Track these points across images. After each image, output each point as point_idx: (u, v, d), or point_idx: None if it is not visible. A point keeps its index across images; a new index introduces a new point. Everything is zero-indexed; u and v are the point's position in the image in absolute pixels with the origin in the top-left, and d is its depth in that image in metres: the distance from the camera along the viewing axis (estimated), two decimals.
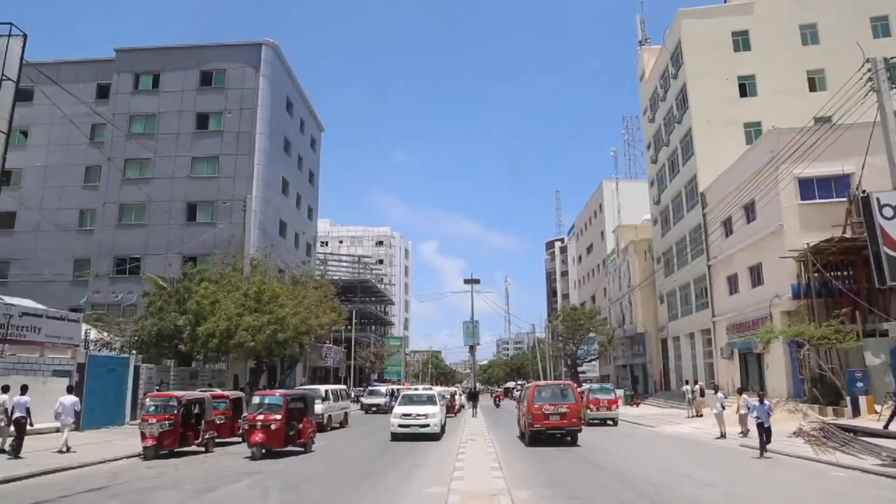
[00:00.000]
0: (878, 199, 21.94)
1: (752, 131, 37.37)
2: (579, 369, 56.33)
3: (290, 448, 16.26)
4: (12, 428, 14.31)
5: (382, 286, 75.33)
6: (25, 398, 14.44)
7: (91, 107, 36.57)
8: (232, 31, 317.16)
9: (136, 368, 24.75)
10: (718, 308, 36.32)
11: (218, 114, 41.37)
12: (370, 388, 46.80)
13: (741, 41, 39.83)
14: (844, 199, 26.30)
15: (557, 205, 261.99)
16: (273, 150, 42.33)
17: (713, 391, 23.83)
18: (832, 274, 25.68)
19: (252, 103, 41.12)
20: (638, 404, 41.24)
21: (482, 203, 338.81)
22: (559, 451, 17.01)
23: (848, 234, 24.89)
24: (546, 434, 18.71)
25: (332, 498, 10.34)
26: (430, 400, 21.80)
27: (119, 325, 29.25)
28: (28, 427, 14.48)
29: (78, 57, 45.80)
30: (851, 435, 15.90)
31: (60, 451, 14.79)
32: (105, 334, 28.06)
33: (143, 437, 15.35)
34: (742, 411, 19.53)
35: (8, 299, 23.61)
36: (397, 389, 38.38)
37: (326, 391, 25.57)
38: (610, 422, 26.94)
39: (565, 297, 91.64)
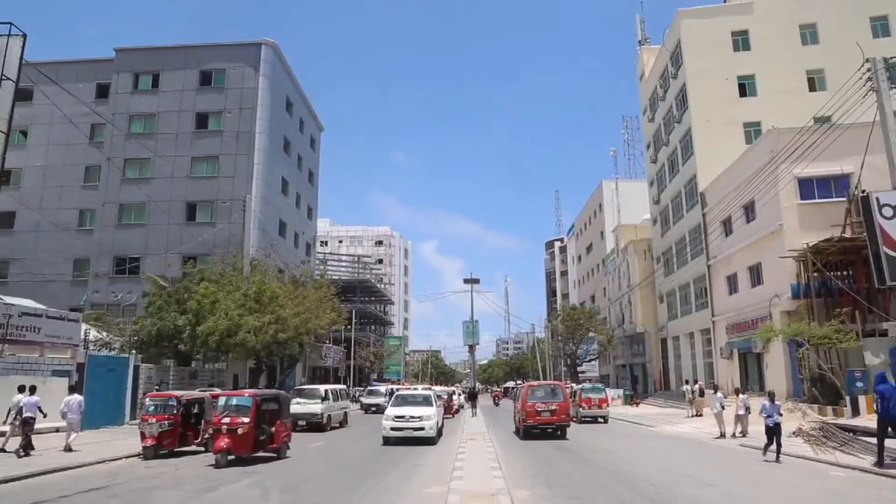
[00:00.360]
0: (877, 199, 21.94)
1: (752, 131, 37.37)
2: (579, 369, 56.34)
3: (261, 454, 14.72)
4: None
5: (382, 286, 75.33)
6: (35, 398, 14.90)
7: (90, 106, 36.55)
8: (231, 31, 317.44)
9: (136, 368, 24.74)
10: (718, 308, 36.33)
11: (217, 113, 41.37)
12: (370, 387, 46.81)
13: (741, 41, 39.83)
14: (844, 199, 26.30)
15: (557, 205, 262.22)
16: (273, 150, 42.32)
17: (713, 391, 23.84)
18: (832, 274, 25.67)
19: (252, 103, 41.11)
20: (637, 404, 41.27)
21: (481, 203, 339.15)
22: (559, 451, 17.03)
23: (847, 234, 24.89)
24: (539, 429, 21.00)
25: (332, 498, 10.34)
26: (426, 401, 20.12)
27: (118, 324, 29.25)
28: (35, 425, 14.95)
29: (77, 57, 45.88)
30: (851, 435, 15.92)
31: (69, 450, 14.98)
32: (105, 334, 28.05)
33: (143, 436, 15.36)
34: (740, 412, 19.54)
35: (8, 299, 23.61)
36: (397, 389, 36.09)
37: (326, 391, 25.55)
38: (601, 419, 28.68)
39: (565, 296, 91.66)
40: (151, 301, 27.43)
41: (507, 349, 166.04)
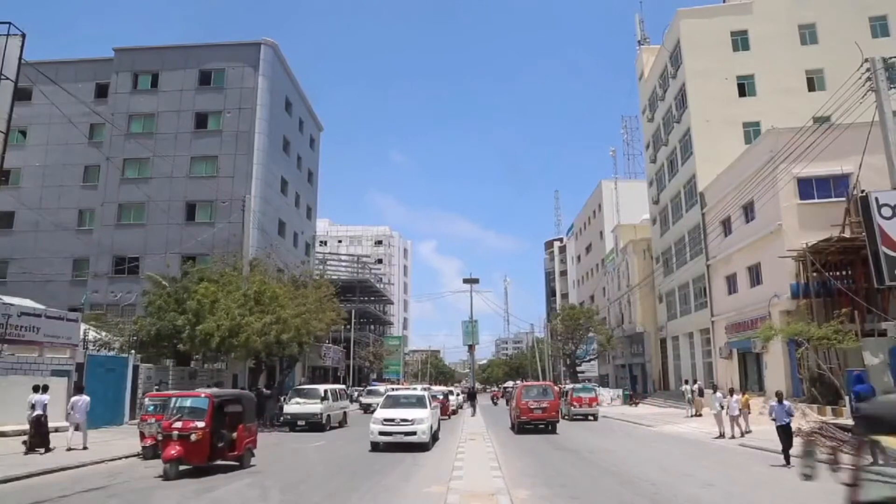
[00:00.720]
0: (876, 199, 21.95)
1: (751, 131, 37.39)
2: (578, 369, 56.36)
3: (219, 464, 13.16)
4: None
5: (381, 286, 75.32)
6: (45, 396, 15.45)
7: (90, 106, 36.52)
8: (231, 31, 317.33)
9: (135, 368, 24.73)
10: (717, 308, 36.35)
11: (217, 113, 41.34)
12: (369, 387, 46.85)
13: (740, 41, 39.85)
14: (843, 199, 26.32)
15: (556, 204, 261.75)
16: (272, 150, 42.31)
17: (712, 391, 23.87)
18: (831, 273, 25.68)
19: (251, 103, 41.09)
20: (637, 404, 41.32)
21: (481, 203, 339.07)
22: (558, 451, 17.05)
23: (847, 234, 24.91)
24: (531, 424, 23.10)
25: (331, 498, 10.35)
26: (420, 402, 18.47)
27: (118, 324, 29.21)
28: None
29: (77, 56, 45.72)
30: (850, 434, 15.92)
31: (84, 448, 15.38)
32: (104, 334, 28.03)
33: (142, 436, 15.39)
34: (734, 412, 19.62)
35: (7, 299, 23.58)
36: (395, 389, 35.89)
37: (325, 391, 25.58)
38: (591, 417, 30.49)
39: (564, 296, 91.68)
40: (151, 301, 27.40)
41: (507, 349, 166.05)
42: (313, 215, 54.02)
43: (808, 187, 28.48)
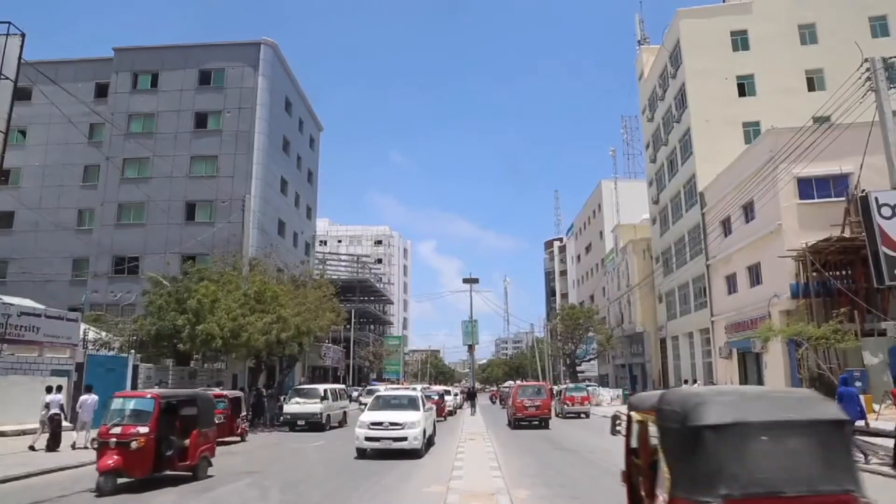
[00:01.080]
0: (876, 199, 21.97)
1: (751, 131, 37.39)
2: (578, 368, 56.37)
3: (167, 475, 11.48)
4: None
5: (381, 285, 75.33)
6: (59, 396, 16.00)
7: (90, 106, 36.50)
8: (230, 31, 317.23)
9: (135, 368, 24.72)
10: (717, 307, 36.36)
11: (217, 113, 41.32)
12: (368, 387, 46.85)
13: (740, 41, 39.85)
14: (843, 199, 26.33)
15: (556, 204, 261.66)
16: (272, 150, 42.30)
17: None
18: (831, 273, 25.70)
19: (251, 102, 41.08)
20: None
21: (480, 203, 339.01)
22: (558, 451, 17.06)
23: (846, 234, 24.93)
24: (526, 420, 25.09)
25: (331, 497, 10.35)
26: (412, 404, 16.84)
27: (117, 324, 29.20)
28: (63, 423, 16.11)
29: (76, 56, 45.70)
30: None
31: (85, 447, 15.64)
32: (104, 334, 28.02)
33: None
34: None
35: (7, 299, 23.59)
36: (395, 388, 34.68)
37: (325, 390, 25.60)
38: (583, 415, 31.68)
39: (564, 296, 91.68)
40: (151, 301, 27.39)
41: (507, 349, 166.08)
42: (313, 215, 54.02)
43: (807, 187, 28.48)
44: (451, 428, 25.02)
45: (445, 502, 9.49)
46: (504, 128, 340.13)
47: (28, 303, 24.85)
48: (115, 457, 10.48)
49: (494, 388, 77.53)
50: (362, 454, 15.25)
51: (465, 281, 42.50)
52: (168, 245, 37.54)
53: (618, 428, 7.05)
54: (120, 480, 10.69)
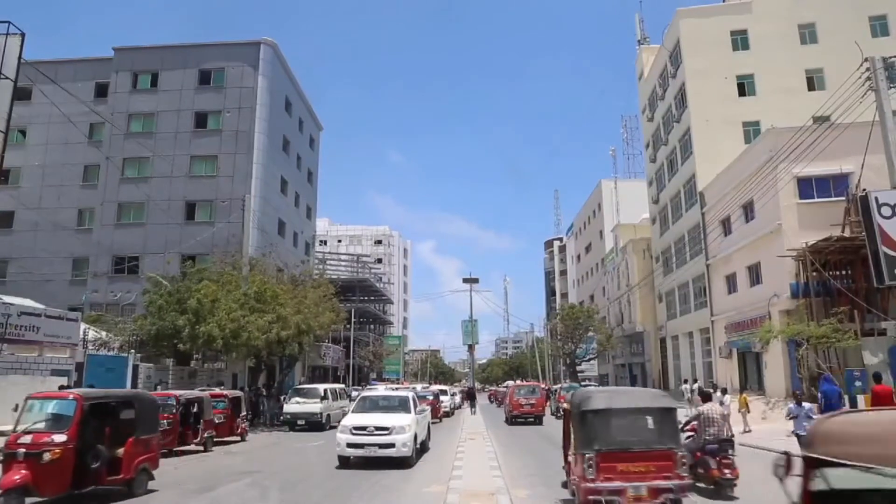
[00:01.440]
0: (876, 199, 21.96)
1: (751, 130, 37.39)
2: (578, 368, 56.36)
3: (97, 489, 9.70)
4: None
5: (381, 285, 75.32)
6: None
7: (89, 106, 36.47)
8: (230, 30, 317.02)
9: (135, 367, 24.74)
10: (717, 307, 36.36)
11: (216, 113, 41.31)
12: (368, 386, 46.83)
13: (740, 40, 39.84)
14: (843, 199, 26.31)
15: (556, 204, 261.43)
16: (272, 150, 42.29)
17: (712, 390, 23.86)
18: (831, 273, 25.69)
19: (251, 102, 41.07)
20: None
21: (480, 203, 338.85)
22: (558, 450, 17.03)
23: (846, 234, 24.91)
24: (521, 417, 27.06)
25: (331, 497, 10.36)
26: (402, 405, 15.29)
27: (117, 324, 29.21)
28: None
29: (76, 56, 45.69)
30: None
31: None
32: (104, 334, 28.03)
33: None
34: (725, 411, 19.53)
35: (6, 298, 23.58)
36: (395, 389, 33.46)
37: (325, 390, 25.64)
38: None
39: (564, 296, 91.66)
40: (152, 301, 27.42)
41: (507, 349, 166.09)
42: (313, 215, 54.01)
43: (807, 187, 28.47)
44: (452, 427, 25.03)
45: (445, 502, 9.50)
46: (504, 127, 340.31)
47: (28, 302, 24.84)
48: (23, 471, 8.58)
49: (493, 388, 77.96)
50: (345, 463, 13.72)
51: (465, 281, 42.59)
52: (168, 245, 37.53)
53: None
54: (31, 500, 8.82)
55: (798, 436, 12.35)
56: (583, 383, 43.97)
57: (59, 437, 8.98)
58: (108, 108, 40.63)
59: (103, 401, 10.33)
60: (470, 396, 39.32)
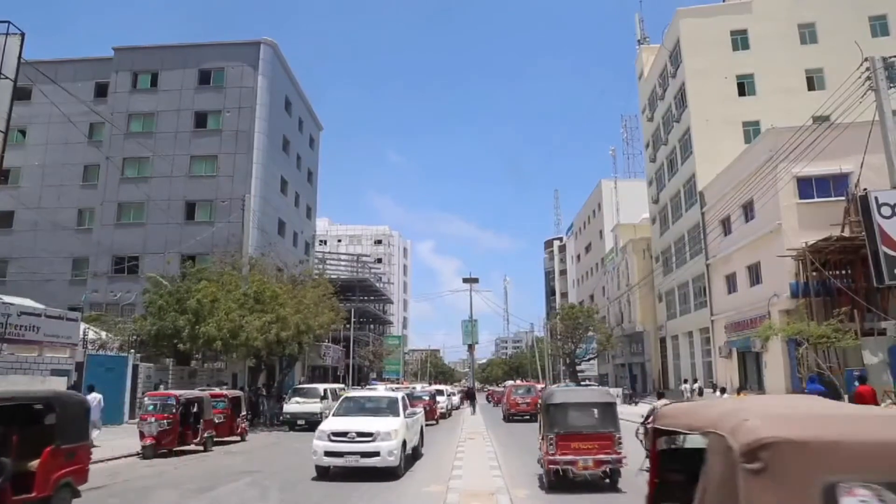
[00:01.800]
0: (876, 198, 21.94)
1: (751, 130, 37.38)
2: (578, 368, 56.36)
3: None
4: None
5: (381, 285, 75.32)
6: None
7: (89, 105, 36.46)
8: (230, 30, 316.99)
9: (135, 367, 24.74)
10: (717, 307, 36.36)
11: (216, 112, 41.31)
12: (368, 386, 46.81)
13: (740, 40, 39.84)
14: (843, 198, 26.30)
15: (556, 204, 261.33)
16: (272, 149, 42.29)
17: (712, 390, 23.89)
18: (830, 273, 25.69)
19: (250, 102, 41.06)
20: (636, 403, 41.32)
21: (479, 203, 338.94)
22: None
23: (846, 233, 24.90)
24: (518, 415, 28.55)
25: (331, 497, 10.35)
26: (390, 408, 13.78)
27: (117, 324, 29.21)
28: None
29: (76, 56, 45.70)
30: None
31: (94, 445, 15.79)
32: (104, 334, 28.03)
33: (142, 435, 15.39)
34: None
35: (6, 298, 23.57)
36: (395, 389, 33.51)
37: (325, 390, 25.66)
38: None
39: (564, 295, 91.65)
40: (152, 301, 27.42)
41: (506, 348, 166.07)
42: (313, 215, 54.02)
43: (807, 187, 28.47)
44: (451, 428, 25.02)
45: (445, 501, 9.50)
46: (504, 127, 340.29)
47: (28, 302, 24.83)
48: None
49: (490, 388, 78.40)
50: (323, 474, 12.13)
51: (465, 280, 42.59)
52: (168, 245, 37.53)
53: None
54: None
55: None
56: (582, 383, 44.08)
57: None
58: (108, 108, 40.63)
59: (8, 403, 8.18)
60: (469, 396, 39.32)
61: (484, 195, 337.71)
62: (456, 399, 41.23)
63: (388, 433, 12.15)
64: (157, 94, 41.85)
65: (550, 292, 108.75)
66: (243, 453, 16.93)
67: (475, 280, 41.41)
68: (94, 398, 16.59)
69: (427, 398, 27.55)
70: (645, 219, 54.73)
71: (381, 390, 24.00)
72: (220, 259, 31.00)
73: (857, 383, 15.34)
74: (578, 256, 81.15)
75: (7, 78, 16.35)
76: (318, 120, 54.82)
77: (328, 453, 11.95)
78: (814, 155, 25.08)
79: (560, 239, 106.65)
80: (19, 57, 16.54)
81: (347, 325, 51.03)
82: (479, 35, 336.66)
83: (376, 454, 11.80)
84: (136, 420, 19.12)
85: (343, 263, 73.16)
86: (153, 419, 15.49)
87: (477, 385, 62.93)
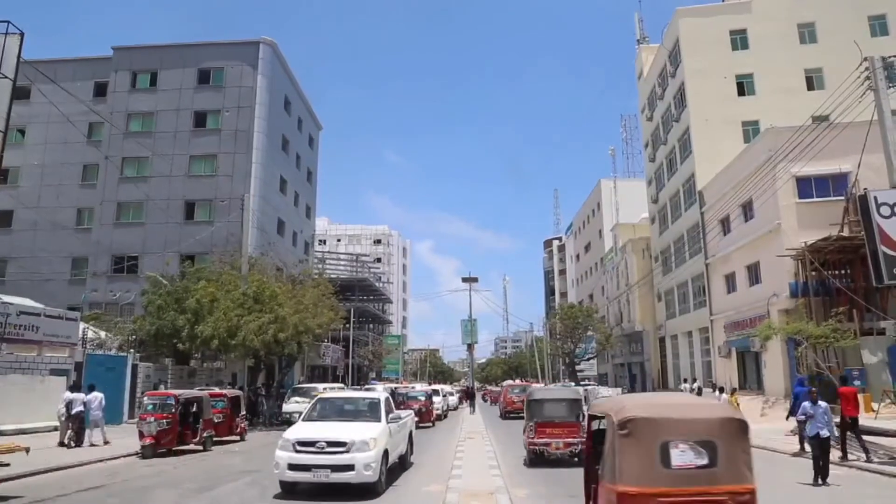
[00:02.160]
0: (875, 198, 21.96)
1: (750, 130, 37.39)
2: (577, 368, 56.37)
3: None
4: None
5: (380, 285, 75.32)
6: (81, 395, 16.89)
7: (88, 105, 36.44)
8: (230, 30, 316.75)
9: (134, 367, 24.73)
10: (716, 306, 36.38)
11: (216, 112, 41.30)
12: (366, 386, 46.81)
13: (739, 40, 39.85)
14: (842, 198, 26.33)
15: (556, 203, 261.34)
16: (271, 149, 42.28)
17: (712, 390, 23.90)
18: (830, 272, 25.72)
19: (250, 102, 41.05)
20: None
21: (478, 203, 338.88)
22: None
23: (845, 233, 24.93)
24: (514, 413, 28.86)
25: (331, 497, 10.33)
26: (371, 411, 11.81)
27: (117, 324, 29.20)
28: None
29: (75, 55, 45.63)
30: (849, 433, 15.94)
31: (106, 443, 16.58)
32: (103, 333, 28.02)
33: (141, 435, 15.38)
34: None
35: (6, 298, 23.57)
36: (395, 388, 31.64)
37: (324, 389, 25.57)
38: None
39: (563, 295, 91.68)
40: (151, 300, 27.40)
41: (506, 348, 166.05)
42: (312, 214, 54.02)
43: (806, 186, 28.51)
44: (451, 428, 25.01)
45: (445, 501, 9.50)
46: (504, 127, 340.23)
47: (27, 302, 24.83)
48: None
49: (486, 389, 78.76)
50: (290, 490, 10.34)
51: (465, 280, 42.57)
52: (167, 244, 37.53)
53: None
54: None
55: (813, 437, 11.29)
56: (582, 383, 44.11)
57: None
58: (107, 108, 40.63)
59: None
60: (469, 396, 39.34)
61: (483, 195, 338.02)
62: (452, 399, 40.38)
63: (366, 442, 10.23)
64: (157, 94, 41.84)
65: (550, 292, 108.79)
66: (243, 453, 16.93)
67: (474, 279, 41.44)
68: (96, 397, 16.83)
69: (423, 398, 26.43)
70: (644, 218, 54.75)
71: (379, 389, 23.77)
72: (220, 259, 30.99)
73: (851, 384, 15.74)
74: (578, 256, 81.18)
75: (6, 77, 16.32)
76: (317, 119, 54.82)
77: (293, 466, 10.07)
78: (813, 155, 25.11)
79: (559, 238, 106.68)
80: (18, 56, 16.50)
81: (347, 325, 50.99)
82: (479, 35, 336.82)
83: (350, 468, 9.91)
84: (136, 420, 19.12)
85: (342, 263, 73.13)
86: (152, 419, 15.48)
87: (476, 385, 63.00)
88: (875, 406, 20.47)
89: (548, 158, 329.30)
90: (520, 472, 12.88)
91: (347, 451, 10.05)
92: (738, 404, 21.17)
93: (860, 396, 20.91)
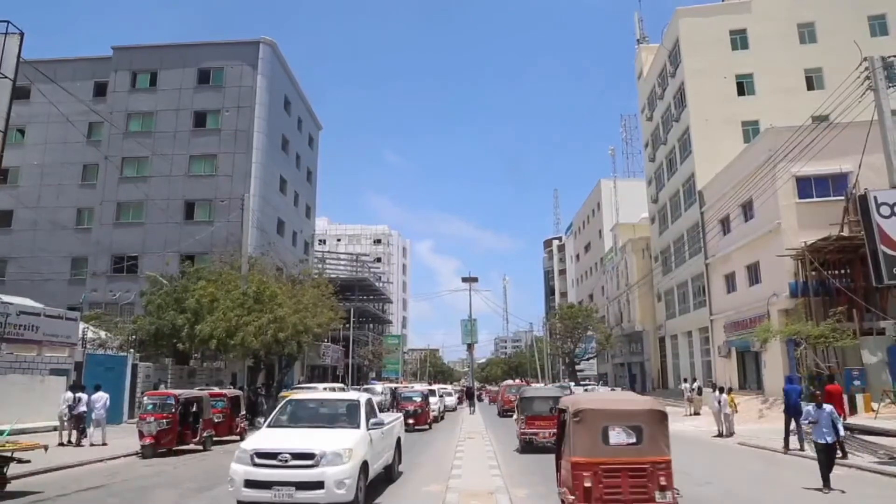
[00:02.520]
0: (875, 198, 21.93)
1: (750, 130, 37.41)
2: (577, 367, 56.37)
3: None
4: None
5: (380, 284, 75.31)
6: (83, 394, 16.88)
7: (88, 105, 36.45)
8: (230, 30, 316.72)
9: (134, 367, 24.72)
10: (716, 306, 36.38)
11: (215, 112, 41.28)
12: (366, 386, 46.78)
13: (739, 40, 39.86)
14: (842, 198, 26.33)
15: (556, 203, 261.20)
16: (271, 149, 42.26)
17: (711, 389, 23.88)
18: (830, 272, 25.71)
19: (250, 101, 41.03)
20: None
21: (478, 203, 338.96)
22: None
23: (845, 233, 24.92)
24: (511, 411, 28.65)
25: None
26: (348, 415, 10.07)
27: (116, 323, 29.18)
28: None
29: (75, 55, 45.59)
30: (848, 433, 15.94)
31: (104, 444, 16.55)
32: (103, 333, 28.00)
33: (141, 435, 15.38)
34: (712, 409, 20.51)
35: (6, 298, 23.56)
36: (395, 388, 31.43)
37: (324, 389, 25.57)
38: None
39: (563, 295, 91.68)
40: (150, 300, 27.38)
41: (506, 348, 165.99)
42: (312, 214, 54.00)
43: (806, 186, 28.50)
44: (450, 428, 25.00)
45: (445, 501, 9.49)
46: (503, 127, 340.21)
47: (27, 302, 24.83)
48: None
49: (486, 388, 78.99)
50: None
51: (465, 280, 42.47)
52: (167, 244, 37.53)
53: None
54: None
55: (817, 444, 10.69)
56: (582, 383, 44.11)
57: None
58: (107, 108, 40.61)
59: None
60: (469, 395, 39.32)
61: (483, 195, 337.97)
62: (451, 400, 39.29)
63: (338, 454, 8.54)
64: (156, 94, 41.82)
65: (550, 292, 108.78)
66: None
67: (474, 279, 41.33)
68: (101, 397, 16.90)
69: (419, 399, 24.56)
70: (644, 218, 54.75)
71: (377, 389, 23.56)
72: (220, 258, 30.98)
73: (853, 381, 15.98)
74: (578, 256, 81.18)
75: (6, 77, 16.32)
76: (317, 119, 54.80)
77: (250, 483, 8.31)
78: (813, 154, 25.11)
79: (559, 238, 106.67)
80: (18, 56, 16.50)
81: (347, 325, 51.00)
82: (478, 35, 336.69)
83: (318, 485, 8.22)
84: (136, 419, 19.12)
85: (342, 263, 73.11)
86: (152, 419, 15.48)
87: (476, 384, 63.02)
88: (875, 406, 20.46)
89: (548, 158, 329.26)
90: (520, 472, 12.87)
91: (316, 465, 8.35)
92: (735, 405, 21.17)
93: (860, 397, 21.02)
